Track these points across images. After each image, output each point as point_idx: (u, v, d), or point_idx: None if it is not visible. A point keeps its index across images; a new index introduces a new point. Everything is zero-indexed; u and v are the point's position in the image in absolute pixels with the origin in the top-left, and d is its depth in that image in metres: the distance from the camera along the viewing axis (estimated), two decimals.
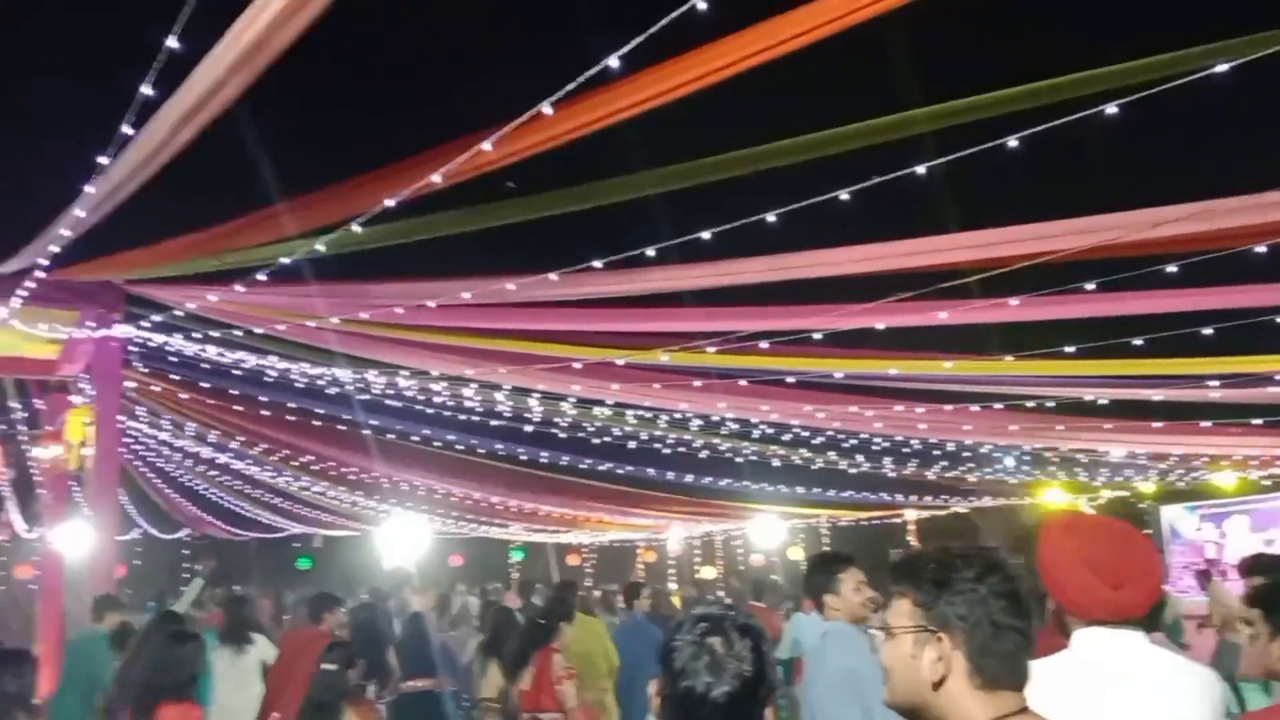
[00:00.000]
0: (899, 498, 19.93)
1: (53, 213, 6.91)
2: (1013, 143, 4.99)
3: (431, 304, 7.63)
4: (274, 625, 13.20)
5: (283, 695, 5.75)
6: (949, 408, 10.84)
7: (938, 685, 1.73)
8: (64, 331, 9.58)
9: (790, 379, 9.63)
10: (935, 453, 14.76)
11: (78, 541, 10.13)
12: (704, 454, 15.07)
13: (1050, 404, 10.63)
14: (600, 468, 16.14)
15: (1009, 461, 17.29)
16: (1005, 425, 11.94)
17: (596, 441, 14.22)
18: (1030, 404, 10.65)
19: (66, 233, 6.99)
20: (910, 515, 23.12)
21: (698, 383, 9.78)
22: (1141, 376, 9.19)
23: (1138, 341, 7.93)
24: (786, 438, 13.29)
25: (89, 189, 6.10)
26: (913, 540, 21.85)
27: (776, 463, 15.58)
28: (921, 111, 5.14)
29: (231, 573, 21.42)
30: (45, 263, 7.86)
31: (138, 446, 17.22)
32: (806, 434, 12.99)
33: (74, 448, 10.32)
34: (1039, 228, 5.96)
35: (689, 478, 17.08)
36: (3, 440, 13.16)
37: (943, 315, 7.31)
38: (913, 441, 13.67)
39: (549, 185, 6.18)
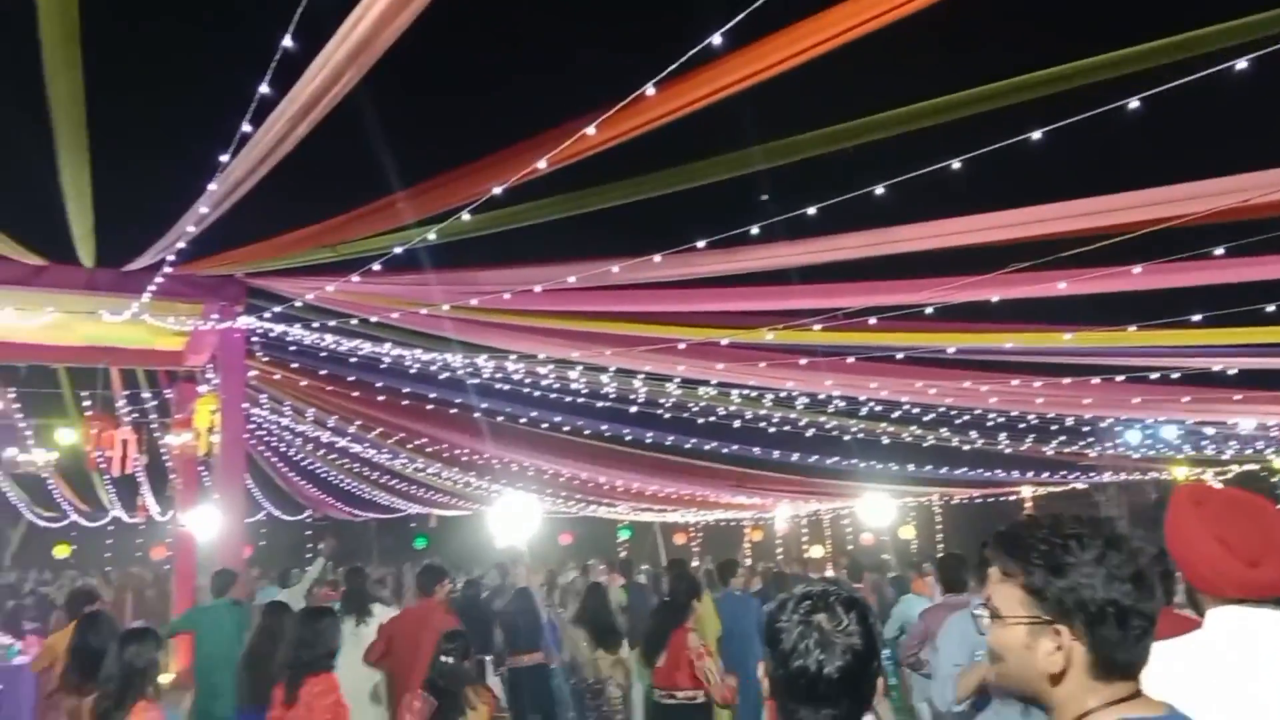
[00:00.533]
0: (1015, 474, 19.45)
1: (175, 211, 7.21)
2: (1134, 104, 4.78)
3: (538, 289, 7.72)
4: (394, 600, 13.63)
5: (413, 669, 5.96)
6: (1067, 381, 10.50)
7: (1057, 678, 1.60)
8: (190, 324, 10.01)
9: (900, 355, 9.44)
10: (1053, 428, 14.33)
11: (208, 523, 10.61)
12: (810, 432, 14.93)
13: (1175, 375, 10.21)
14: (705, 447, 16.15)
15: (1131, 436, 16.70)
16: (1127, 398, 11.51)
17: (701, 421, 14.23)
18: (1154, 375, 10.24)
19: (191, 229, 7.29)
20: (1026, 492, 22.55)
21: (804, 361, 9.68)
22: (1274, 345, 8.74)
23: (1270, 308, 7.54)
24: (896, 415, 13.08)
25: (212, 186, 6.34)
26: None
27: (886, 440, 15.35)
28: (1036, 75, 4.96)
29: (352, 552, 22.18)
30: (172, 258, 8.22)
31: (261, 432, 17.95)
32: (917, 411, 12.75)
33: (202, 434, 10.76)
34: (1163, 191, 5.70)
35: (795, 456, 16.97)
36: (137, 428, 13.85)
37: (1061, 285, 7.06)
38: (1029, 416, 13.29)
39: (650, 166, 6.18)
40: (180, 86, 9.77)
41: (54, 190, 6.61)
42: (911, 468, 18.14)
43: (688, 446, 16.01)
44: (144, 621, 11.25)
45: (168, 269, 8.46)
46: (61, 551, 25.90)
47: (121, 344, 11.27)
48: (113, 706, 4.61)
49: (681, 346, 9.16)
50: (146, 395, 15.17)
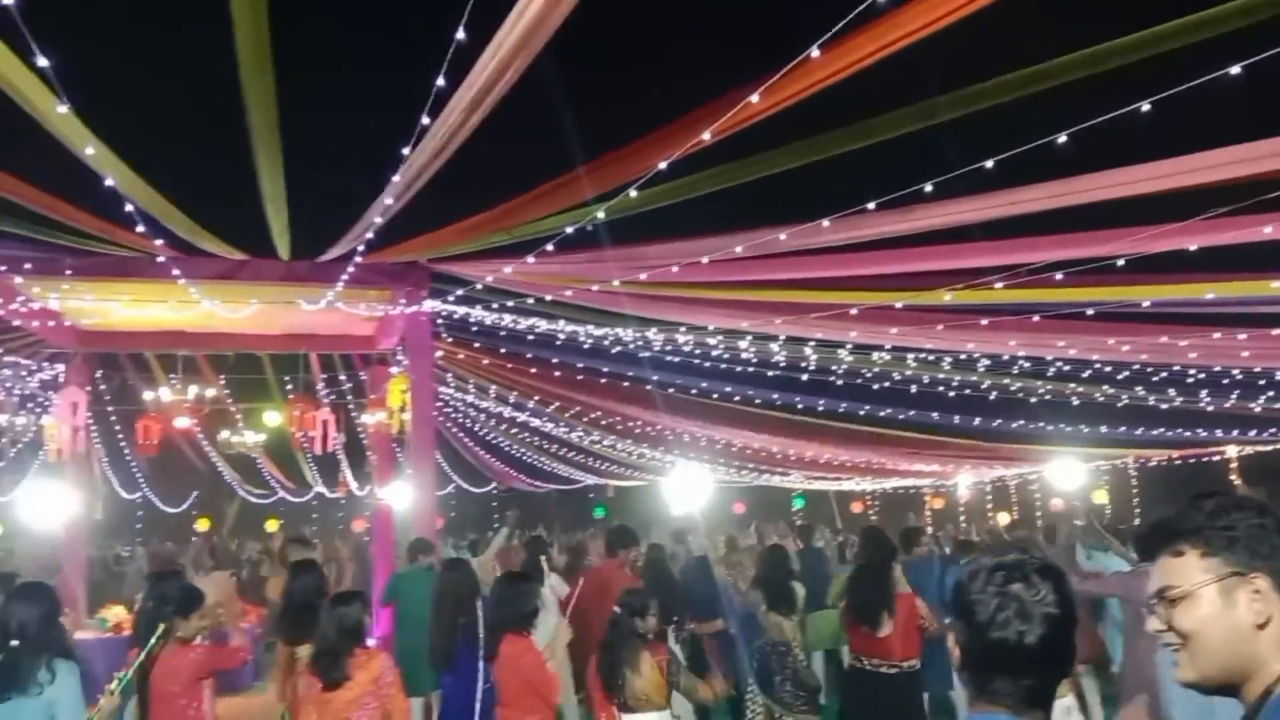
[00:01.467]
0: (1218, 433, 18.19)
1: (362, 203, 7.60)
2: None
3: (705, 260, 7.74)
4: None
5: (595, 627, 6.14)
6: (1277, 332, 9.73)
7: (1263, 625, 1.64)
8: (380, 309, 10.56)
9: (1090, 311, 8.97)
10: (1261, 382, 13.30)
11: (402, 497, 11.21)
12: (993, 395, 14.39)
13: None
14: (880, 413, 15.82)
15: None
16: None
17: (876, 387, 13.93)
18: None
19: (378, 220, 7.67)
20: (1232, 452, 21.09)
21: (985, 321, 9.33)
22: None
23: None
24: (1086, 374, 12.43)
25: (395, 178, 6.64)
26: (1235, 479, 19.92)
27: (1076, 401, 14.62)
28: (1232, 5, 4.59)
29: (534, 522, 23.01)
30: (361, 248, 8.68)
31: (449, 409, 18.79)
32: (1109, 369, 12.08)
33: (395, 413, 11.32)
34: None
35: (977, 421, 16.41)
36: (335, 409, 14.75)
37: (1267, 230, 6.54)
38: (1234, 371, 12.38)
39: (814, 129, 6.06)
40: (362, 85, 10.24)
41: (253, 191, 7.08)
42: (1104, 429, 17.22)
43: (861, 413, 15.74)
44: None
45: (358, 258, 8.93)
46: (271, 525, 27.89)
47: (318, 330, 12.00)
48: (331, 664, 4.99)
49: (853, 312, 8.99)
50: (343, 378, 16.13)
